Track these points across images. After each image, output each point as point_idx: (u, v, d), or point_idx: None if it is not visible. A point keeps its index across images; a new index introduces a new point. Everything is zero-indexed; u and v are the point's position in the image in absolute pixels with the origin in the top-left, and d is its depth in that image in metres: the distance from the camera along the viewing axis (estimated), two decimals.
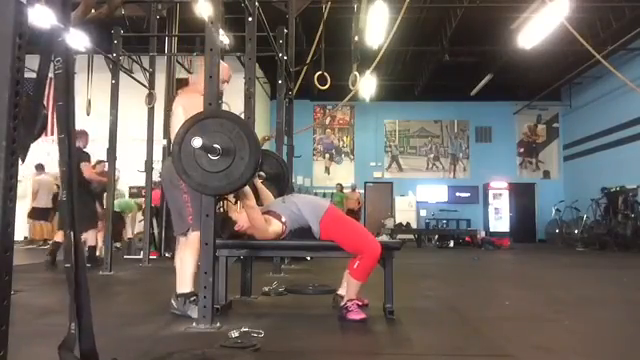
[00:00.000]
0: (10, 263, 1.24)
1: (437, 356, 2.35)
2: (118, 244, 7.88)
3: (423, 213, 15.83)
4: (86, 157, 6.48)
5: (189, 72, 13.39)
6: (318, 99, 15.37)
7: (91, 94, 8.70)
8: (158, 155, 7.82)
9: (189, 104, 3.13)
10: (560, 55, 12.39)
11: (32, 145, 1.62)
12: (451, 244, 13.00)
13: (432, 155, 16.55)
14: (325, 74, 7.68)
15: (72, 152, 1.54)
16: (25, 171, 10.80)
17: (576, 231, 12.88)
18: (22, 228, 12.72)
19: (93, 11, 7.42)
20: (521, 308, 3.75)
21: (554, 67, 13.38)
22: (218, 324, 2.73)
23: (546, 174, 16.38)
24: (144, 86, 7.29)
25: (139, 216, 9.84)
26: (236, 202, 3.52)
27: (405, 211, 15.33)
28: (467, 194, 16.12)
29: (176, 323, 2.84)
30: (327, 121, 16.57)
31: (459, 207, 15.84)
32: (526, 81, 14.50)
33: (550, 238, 14.54)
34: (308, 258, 6.97)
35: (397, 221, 14.89)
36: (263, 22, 4.32)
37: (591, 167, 14.26)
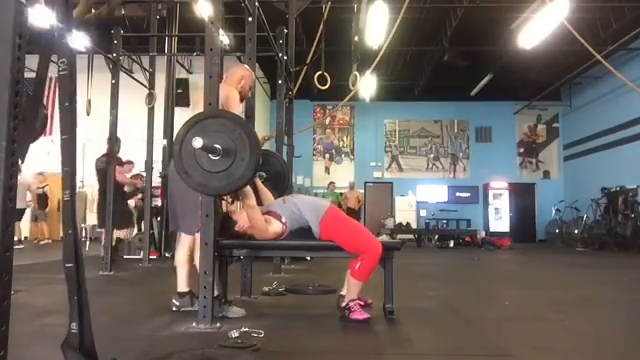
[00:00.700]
0: (10, 263, 1.24)
1: (437, 356, 2.35)
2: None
3: (423, 213, 15.82)
4: (120, 161, 6.67)
5: (189, 72, 13.44)
6: (318, 99, 15.36)
7: (91, 94, 8.69)
8: (158, 155, 7.82)
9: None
10: (560, 55, 12.39)
11: (32, 145, 1.63)
12: (451, 244, 12.99)
13: (432, 155, 16.55)
14: (325, 74, 7.67)
15: (74, 153, 1.54)
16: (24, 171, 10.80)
17: (576, 231, 12.88)
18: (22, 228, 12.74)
19: (93, 11, 7.41)
20: (521, 308, 3.75)
21: (554, 67, 13.38)
22: (218, 324, 2.73)
23: (546, 174, 16.38)
24: (144, 86, 7.30)
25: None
26: (233, 202, 3.52)
27: (405, 211, 15.33)
28: (467, 194, 16.12)
29: (176, 323, 2.84)
30: (327, 121, 16.57)
31: (459, 207, 15.84)
32: (526, 81, 14.50)
33: (550, 238, 14.54)
34: (308, 258, 6.97)
35: (397, 221, 14.88)
36: (263, 22, 4.32)
37: (591, 167, 14.26)
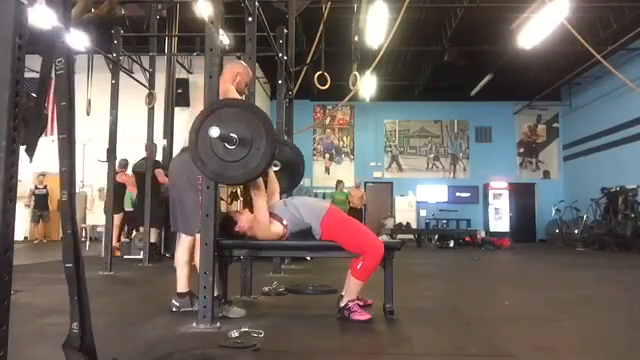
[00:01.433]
0: (10, 263, 1.24)
1: (437, 356, 2.35)
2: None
3: (423, 213, 15.82)
4: (160, 165, 6.99)
5: (189, 72, 13.44)
6: (318, 99, 15.37)
7: (91, 94, 8.69)
8: (158, 155, 7.82)
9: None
10: (560, 55, 12.39)
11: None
12: (451, 244, 12.99)
13: (432, 155, 16.55)
14: (325, 74, 7.67)
15: (73, 152, 1.54)
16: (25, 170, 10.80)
17: (576, 231, 12.88)
18: (22, 228, 12.76)
19: (93, 10, 7.41)
20: (521, 308, 3.75)
21: (554, 67, 13.38)
22: (218, 324, 2.73)
23: (546, 174, 16.38)
24: (144, 86, 7.29)
25: None
26: (231, 202, 3.53)
27: (405, 211, 15.33)
28: (467, 194, 16.12)
29: (176, 323, 2.83)
30: (327, 121, 16.57)
31: (459, 207, 15.84)
32: (526, 81, 14.50)
33: (550, 238, 14.54)
34: (308, 258, 6.97)
35: (397, 221, 14.89)
36: (263, 22, 4.32)
37: (591, 167, 14.26)
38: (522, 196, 15.79)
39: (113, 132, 5.92)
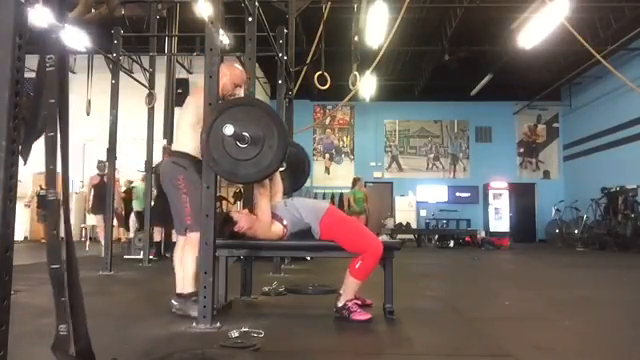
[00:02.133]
0: (10, 263, 1.24)
1: (437, 356, 2.35)
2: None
3: (423, 213, 15.82)
4: None
5: (189, 72, 13.44)
6: (318, 99, 15.37)
7: (91, 94, 8.70)
8: (158, 155, 7.82)
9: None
10: (560, 55, 12.40)
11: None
12: (451, 244, 12.99)
13: (432, 155, 16.55)
14: (325, 74, 7.67)
15: (65, 151, 1.50)
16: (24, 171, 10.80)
17: (576, 231, 12.88)
18: (22, 228, 12.78)
19: (93, 11, 7.42)
20: (521, 308, 3.75)
21: (554, 67, 13.38)
22: (218, 324, 2.73)
23: (546, 174, 16.38)
24: (144, 86, 7.30)
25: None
26: (235, 202, 3.53)
27: (405, 211, 15.33)
28: (467, 194, 16.12)
29: (176, 323, 2.84)
30: (327, 121, 16.57)
31: (459, 207, 15.84)
32: (526, 81, 14.50)
33: (550, 238, 14.54)
34: (308, 258, 6.97)
35: (397, 221, 14.89)
36: (263, 22, 4.31)
37: (591, 167, 14.26)
38: (522, 196, 15.79)
39: (113, 132, 5.92)
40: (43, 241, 11.97)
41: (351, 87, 8.15)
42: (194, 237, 3.06)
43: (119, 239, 9.57)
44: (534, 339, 2.64)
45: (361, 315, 2.97)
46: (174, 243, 3.85)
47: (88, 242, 10.56)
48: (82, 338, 1.53)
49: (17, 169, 1.26)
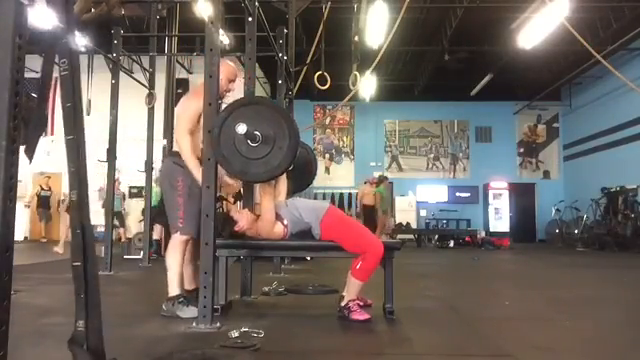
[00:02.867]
0: (10, 263, 1.24)
1: (437, 356, 2.35)
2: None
3: (423, 213, 15.82)
4: None
5: (189, 72, 13.44)
6: (318, 99, 15.37)
7: (91, 94, 8.69)
8: (158, 155, 7.82)
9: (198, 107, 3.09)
10: (560, 55, 12.39)
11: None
12: (451, 244, 12.99)
13: (432, 155, 16.55)
14: (325, 74, 7.66)
15: (82, 152, 1.53)
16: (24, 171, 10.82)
17: (576, 231, 12.88)
18: (22, 228, 12.78)
19: (93, 10, 7.41)
20: (521, 308, 3.75)
21: (554, 67, 13.38)
22: (218, 324, 2.73)
23: (546, 174, 16.38)
24: (144, 86, 7.29)
25: (139, 216, 9.84)
26: (235, 202, 3.53)
27: (405, 211, 15.32)
28: (467, 194, 16.12)
29: (176, 323, 2.84)
30: (327, 121, 16.56)
31: (459, 207, 15.84)
32: (526, 81, 14.50)
33: (550, 238, 14.54)
34: (308, 258, 6.97)
35: (397, 221, 14.88)
36: (263, 22, 4.31)
37: (591, 167, 14.26)
38: (522, 196, 15.79)
39: (113, 132, 5.92)
40: (43, 240, 11.98)
41: (351, 87, 8.15)
42: (179, 239, 3.09)
43: (119, 239, 9.56)
44: (534, 339, 2.64)
45: (360, 315, 2.97)
46: None
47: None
48: (96, 335, 1.55)
49: (17, 169, 1.26)
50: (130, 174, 11.03)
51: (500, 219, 15.04)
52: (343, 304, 3.05)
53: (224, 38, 8.54)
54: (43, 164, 11.27)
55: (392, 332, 2.84)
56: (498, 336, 2.74)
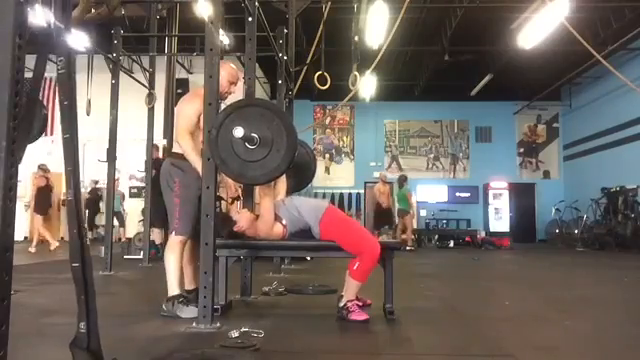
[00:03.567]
0: (10, 263, 1.24)
1: (437, 356, 2.35)
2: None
3: (423, 213, 15.80)
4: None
5: (189, 72, 13.44)
6: (318, 99, 15.36)
7: (91, 94, 8.69)
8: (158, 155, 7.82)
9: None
10: (560, 55, 12.37)
11: (33, 145, 1.63)
12: (451, 244, 12.98)
13: (432, 155, 16.55)
14: (325, 74, 7.67)
15: (77, 152, 1.53)
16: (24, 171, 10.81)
17: (576, 231, 12.87)
18: (22, 228, 12.77)
19: (93, 11, 7.41)
20: (521, 308, 3.75)
21: (554, 67, 13.37)
22: (218, 324, 2.73)
23: (546, 174, 16.37)
24: (144, 86, 7.29)
25: (139, 216, 9.84)
26: (233, 202, 3.53)
27: None
28: (467, 194, 16.11)
29: (176, 323, 2.84)
30: (327, 121, 16.56)
31: (459, 207, 15.83)
32: (526, 81, 14.49)
33: (550, 238, 14.54)
34: (308, 258, 6.97)
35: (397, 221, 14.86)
36: (263, 22, 4.31)
37: (591, 167, 14.26)
38: (522, 196, 15.78)
39: (113, 132, 5.92)
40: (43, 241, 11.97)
41: (351, 87, 8.14)
42: (175, 239, 3.10)
43: (119, 239, 9.57)
44: (534, 339, 2.64)
45: (359, 315, 2.97)
46: None
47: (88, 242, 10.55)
48: (94, 337, 1.55)
49: (17, 169, 1.26)
50: (130, 174, 11.05)
51: (500, 219, 15.04)
52: (342, 304, 3.04)
53: (224, 38, 8.54)
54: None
55: (392, 332, 2.84)
56: (498, 336, 2.74)
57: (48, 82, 12.08)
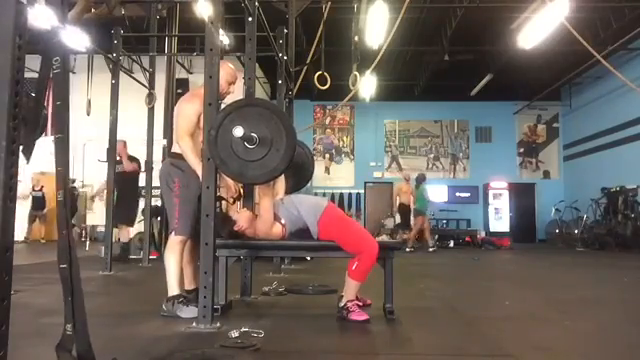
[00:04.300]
0: (10, 263, 1.24)
1: (437, 356, 2.35)
2: None
3: None
4: (135, 159, 7.19)
5: (189, 72, 13.44)
6: (318, 99, 15.37)
7: (91, 94, 8.69)
8: (158, 155, 7.81)
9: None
10: (560, 55, 12.38)
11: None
12: (451, 244, 12.98)
13: (432, 155, 16.55)
14: (325, 74, 7.67)
15: (68, 152, 1.53)
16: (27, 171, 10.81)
17: (576, 231, 12.87)
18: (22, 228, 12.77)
19: (93, 10, 7.41)
20: (521, 308, 3.74)
21: (554, 67, 13.37)
22: (218, 324, 2.73)
23: (546, 174, 16.37)
24: (144, 86, 7.29)
25: (139, 216, 9.84)
26: (234, 202, 3.53)
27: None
28: (467, 194, 16.11)
29: (176, 323, 2.84)
30: (327, 121, 16.56)
31: (459, 207, 15.82)
32: (526, 81, 14.49)
33: (550, 238, 14.54)
34: (308, 258, 6.97)
35: (397, 221, 14.85)
36: (263, 22, 4.31)
37: (591, 167, 14.26)
38: (522, 196, 15.79)
39: (113, 132, 5.92)
40: (42, 241, 11.97)
41: (351, 87, 8.15)
42: (175, 239, 3.10)
43: (119, 239, 9.56)
44: (534, 339, 2.64)
45: (359, 315, 2.97)
46: None
47: (88, 242, 10.57)
48: (83, 338, 1.53)
49: (17, 169, 1.26)
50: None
51: (500, 219, 15.04)
52: (341, 305, 3.04)
53: (224, 38, 8.54)
54: (43, 164, 11.27)
55: (392, 332, 2.84)
56: (498, 336, 2.74)
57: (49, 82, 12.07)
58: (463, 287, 5.20)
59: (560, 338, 2.71)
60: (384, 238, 9.45)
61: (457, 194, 16.16)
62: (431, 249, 10.66)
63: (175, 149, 3.23)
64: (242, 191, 3.68)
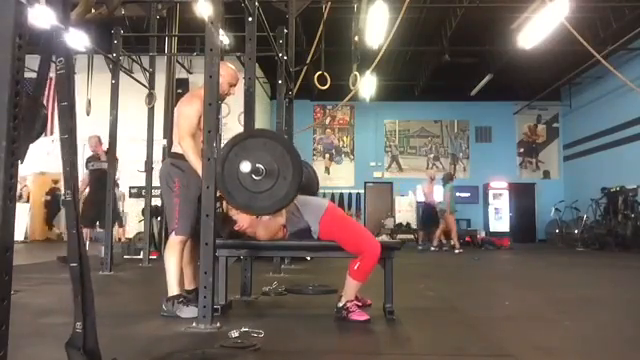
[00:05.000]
0: (10, 263, 1.24)
1: (437, 356, 2.35)
2: None
3: None
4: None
5: (189, 72, 13.44)
6: (318, 99, 15.36)
7: (91, 94, 8.69)
8: (158, 155, 7.82)
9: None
10: (560, 55, 12.38)
11: (33, 145, 1.63)
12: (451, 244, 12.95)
13: (432, 155, 16.55)
14: (325, 74, 7.67)
15: (75, 152, 1.54)
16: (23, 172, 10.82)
17: (576, 231, 12.87)
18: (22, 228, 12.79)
19: (93, 11, 7.40)
20: (521, 308, 3.75)
21: (554, 67, 13.37)
22: (218, 324, 2.73)
23: (546, 174, 16.38)
24: (144, 86, 7.29)
25: (140, 216, 9.84)
26: None
27: (405, 211, 15.32)
28: (467, 194, 16.08)
29: (176, 323, 2.84)
30: (327, 121, 16.57)
31: (459, 207, 15.74)
32: (526, 81, 14.50)
33: (550, 238, 14.53)
34: (308, 258, 6.97)
35: (397, 221, 14.87)
36: (263, 22, 4.31)
37: (591, 167, 14.26)
38: (522, 196, 15.78)
39: (113, 132, 5.92)
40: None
41: (351, 87, 8.15)
42: (175, 239, 3.11)
43: (119, 239, 9.57)
44: (534, 339, 2.64)
45: (359, 315, 2.97)
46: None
47: (88, 242, 10.55)
48: (91, 337, 1.55)
49: (17, 169, 1.26)
50: (130, 174, 11.01)
51: (500, 219, 15.04)
52: (341, 305, 3.04)
53: (224, 38, 8.54)
54: (43, 164, 11.27)
55: (392, 332, 2.84)
56: (498, 336, 2.74)
57: (48, 82, 12.10)
58: (463, 287, 5.21)
59: (560, 338, 2.71)
60: (384, 238, 9.46)
61: (457, 194, 16.11)
62: (457, 251, 10.52)
63: (175, 149, 3.23)
64: None
